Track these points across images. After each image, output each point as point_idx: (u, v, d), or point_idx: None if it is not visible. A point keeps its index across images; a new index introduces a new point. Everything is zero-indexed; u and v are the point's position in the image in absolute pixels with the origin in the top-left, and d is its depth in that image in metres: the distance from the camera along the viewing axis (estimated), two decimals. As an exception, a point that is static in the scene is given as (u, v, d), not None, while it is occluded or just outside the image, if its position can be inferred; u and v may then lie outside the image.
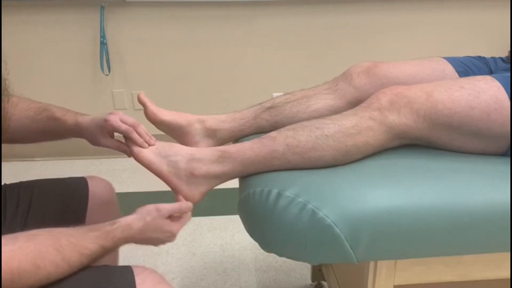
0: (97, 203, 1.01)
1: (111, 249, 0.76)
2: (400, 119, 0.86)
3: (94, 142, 0.94)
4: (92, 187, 1.01)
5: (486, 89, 0.86)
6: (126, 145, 0.93)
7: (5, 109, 0.75)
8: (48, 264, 0.65)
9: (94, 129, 0.92)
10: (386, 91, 0.89)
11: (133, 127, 0.91)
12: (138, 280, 0.72)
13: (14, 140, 0.94)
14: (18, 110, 0.91)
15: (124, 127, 0.90)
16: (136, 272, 0.73)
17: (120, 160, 2.36)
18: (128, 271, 0.74)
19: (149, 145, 0.92)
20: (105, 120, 0.90)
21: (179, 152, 0.91)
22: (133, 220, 0.79)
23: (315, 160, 0.86)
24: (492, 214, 0.77)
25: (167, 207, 0.83)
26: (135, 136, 0.91)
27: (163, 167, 0.90)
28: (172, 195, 0.92)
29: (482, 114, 0.85)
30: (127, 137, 0.92)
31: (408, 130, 0.87)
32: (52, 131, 0.93)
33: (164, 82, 2.37)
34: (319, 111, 1.03)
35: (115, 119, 0.90)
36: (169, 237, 0.85)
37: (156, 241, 0.84)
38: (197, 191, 0.91)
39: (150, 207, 0.82)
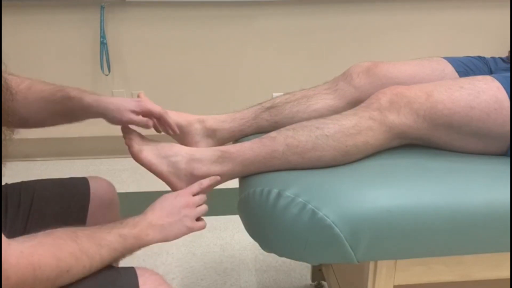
0: (98, 203, 1.00)
1: (132, 237, 0.75)
2: (400, 119, 0.86)
3: (116, 117, 0.88)
4: (94, 187, 1.01)
5: (486, 89, 0.86)
6: (128, 140, 0.92)
7: (10, 107, 0.74)
8: (68, 256, 0.65)
9: (120, 104, 0.88)
10: (386, 91, 0.89)
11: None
12: (140, 280, 0.72)
13: (30, 124, 0.93)
14: (32, 92, 0.89)
15: (158, 108, 0.91)
16: (138, 273, 0.74)
17: (120, 160, 2.36)
18: (132, 272, 0.74)
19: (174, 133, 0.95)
20: (138, 101, 0.90)
21: (179, 152, 0.91)
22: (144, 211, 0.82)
23: (315, 160, 0.86)
24: (492, 214, 0.77)
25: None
26: (169, 119, 0.93)
27: (163, 167, 0.90)
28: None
29: (482, 114, 0.85)
30: (160, 119, 0.93)
31: (408, 130, 0.87)
32: (68, 112, 0.90)
33: (164, 82, 2.37)
34: (319, 111, 1.03)
35: (148, 100, 0.92)
36: (186, 206, 0.84)
37: (175, 223, 0.82)
38: None
39: None
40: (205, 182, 0.88)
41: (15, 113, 0.84)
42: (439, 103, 0.85)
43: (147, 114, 0.91)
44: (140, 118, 0.89)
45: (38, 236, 0.65)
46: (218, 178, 0.89)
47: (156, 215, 0.81)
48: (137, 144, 0.91)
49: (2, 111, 0.72)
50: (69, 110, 0.90)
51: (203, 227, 0.87)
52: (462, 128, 0.86)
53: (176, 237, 0.82)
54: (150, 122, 0.91)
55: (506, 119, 0.85)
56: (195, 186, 0.88)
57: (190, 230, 0.84)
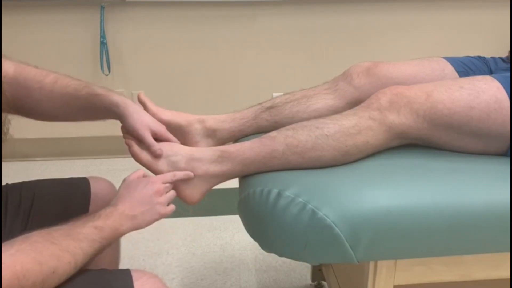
0: (99, 204, 1.00)
1: (110, 228, 0.75)
2: (400, 119, 0.86)
3: (134, 127, 0.88)
4: (94, 188, 1.01)
5: (486, 89, 0.86)
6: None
7: (27, 103, 0.77)
8: (49, 258, 0.64)
9: (143, 118, 0.90)
10: (386, 91, 0.89)
11: None
12: (137, 285, 0.71)
13: (52, 118, 0.94)
14: (58, 86, 0.90)
15: (175, 140, 0.94)
16: (135, 276, 0.73)
17: (120, 160, 2.36)
18: (126, 275, 0.73)
19: None
20: (160, 125, 0.93)
21: (179, 152, 0.91)
22: (114, 198, 0.82)
23: (315, 160, 0.86)
24: (492, 214, 0.77)
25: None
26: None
27: (163, 167, 0.90)
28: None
29: (482, 114, 0.85)
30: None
31: (408, 130, 0.87)
32: (92, 108, 0.90)
33: (164, 82, 2.37)
34: (319, 111, 1.03)
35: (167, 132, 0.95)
36: (157, 193, 0.83)
37: (147, 211, 0.82)
38: (196, 190, 0.91)
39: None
40: (179, 174, 0.88)
41: (37, 105, 0.88)
42: (439, 103, 0.85)
43: (162, 139, 0.92)
44: (153, 142, 0.89)
45: (15, 244, 0.64)
46: (191, 174, 0.89)
47: (127, 205, 0.80)
48: (137, 144, 0.91)
49: (13, 105, 0.72)
50: (93, 107, 0.90)
51: (173, 210, 0.87)
52: (462, 128, 0.86)
53: (148, 224, 0.82)
54: (159, 154, 0.90)
55: (506, 119, 0.85)
56: (168, 176, 0.87)
57: (162, 216, 0.84)
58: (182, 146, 0.94)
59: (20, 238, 0.66)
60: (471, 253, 0.81)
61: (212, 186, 0.93)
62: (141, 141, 0.90)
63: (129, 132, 0.90)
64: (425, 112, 0.85)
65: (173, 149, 0.92)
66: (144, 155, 0.90)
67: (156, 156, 0.89)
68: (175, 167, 0.90)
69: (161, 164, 0.90)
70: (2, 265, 0.59)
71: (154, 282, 0.74)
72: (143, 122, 0.89)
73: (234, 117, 1.06)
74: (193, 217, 1.85)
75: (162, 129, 0.92)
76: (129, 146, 0.91)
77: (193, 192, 0.91)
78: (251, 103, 1.09)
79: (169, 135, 0.94)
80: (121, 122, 0.90)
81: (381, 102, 0.87)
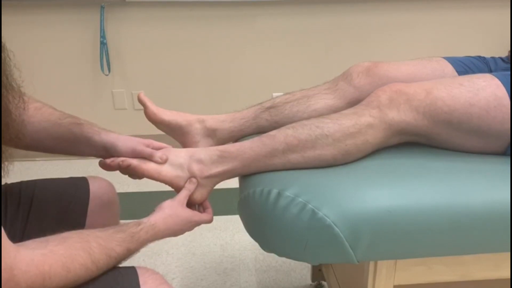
0: (98, 203, 1.00)
1: (136, 251, 0.77)
2: (400, 116, 0.86)
3: (121, 150, 0.90)
4: (93, 187, 1.01)
5: (486, 87, 0.86)
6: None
7: (20, 116, 0.74)
8: (78, 267, 0.65)
9: (127, 139, 0.91)
10: (385, 88, 0.89)
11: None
12: (140, 280, 0.72)
13: (30, 146, 0.91)
14: (40, 113, 0.89)
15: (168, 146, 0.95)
16: (139, 273, 0.74)
17: (120, 160, 2.36)
18: (133, 271, 0.74)
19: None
20: (148, 140, 0.93)
21: (179, 155, 0.91)
22: (156, 219, 0.82)
23: (315, 159, 0.86)
24: (492, 214, 0.77)
25: (181, 194, 0.88)
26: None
27: (171, 173, 0.90)
28: (172, 194, 0.92)
29: (482, 111, 0.85)
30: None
31: (408, 127, 0.87)
32: (72, 138, 0.90)
33: (164, 82, 2.37)
34: (319, 111, 1.03)
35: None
36: (191, 226, 0.88)
37: (178, 233, 0.86)
38: (202, 191, 0.92)
39: (167, 201, 0.86)
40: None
41: (21, 124, 0.84)
42: (439, 100, 0.85)
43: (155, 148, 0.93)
44: (153, 151, 0.90)
45: (50, 243, 0.65)
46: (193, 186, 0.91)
47: (168, 234, 0.84)
48: (135, 161, 0.90)
49: (13, 120, 0.71)
50: (74, 137, 0.90)
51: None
52: (462, 125, 0.86)
53: None
54: (166, 159, 0.91)
55: (505, 116, 0.85)
56: (208, 217, 0.92)
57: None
58: (179, 149, 0.94)
59: (56, 238, 0.66)
60: (471, 253, 0.81)
61: (215, 185, 0.93)
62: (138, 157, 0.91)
63: (124, 154, 0.90)
64: (424, 109, 0.86)
65: (172, 154, 0.91)
66: (149, 165, 0.89)
67: (163, 161, 0.90)
68: (177, 171, 0.90)
69: (166, 171, 0.90)
70: (31, 261, 0.60)
71: (156, 278, 0.75)
72: (133, 140, 0.91)
73: (234, 117, 1.06)
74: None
75: (150, 140, 0.93)
76: (129, 166, 0.89)
77: (202, 193, 0.92)
78: (251, 103, 1.09)
79: (158, 143, 0.94)
80: (110, 150, 0.91)
81: (380, 100, 0.87)
